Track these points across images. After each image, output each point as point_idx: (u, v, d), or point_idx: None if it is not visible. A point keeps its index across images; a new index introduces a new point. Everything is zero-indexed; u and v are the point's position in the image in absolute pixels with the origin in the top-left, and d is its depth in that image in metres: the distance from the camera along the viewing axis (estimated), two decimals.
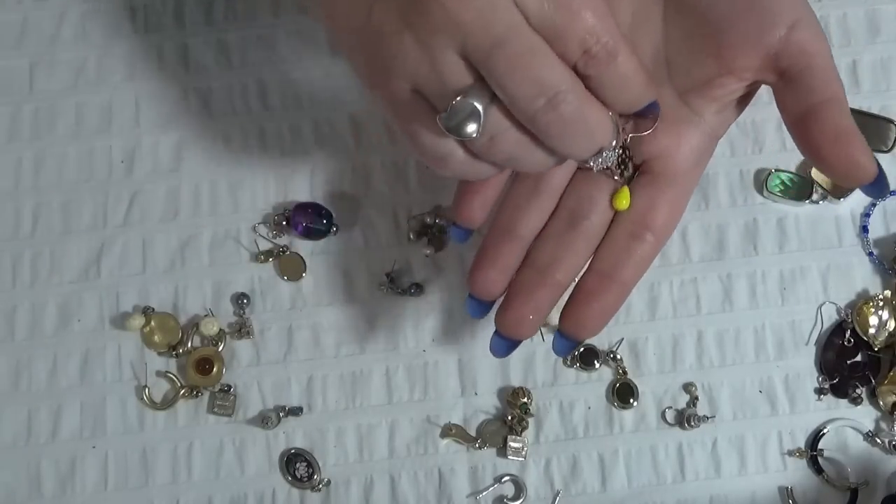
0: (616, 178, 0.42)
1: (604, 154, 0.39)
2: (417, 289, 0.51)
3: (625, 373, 0.50)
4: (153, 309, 0.51)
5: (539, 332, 0.51)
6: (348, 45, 0.39)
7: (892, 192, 0.52)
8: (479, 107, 0.36)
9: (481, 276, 0.42)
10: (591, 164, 0.39)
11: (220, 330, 0.51)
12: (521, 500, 0.49)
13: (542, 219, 0.43)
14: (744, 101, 0.42)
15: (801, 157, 0.52)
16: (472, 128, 0.36)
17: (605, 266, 0.42)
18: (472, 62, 0.36)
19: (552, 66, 0.36)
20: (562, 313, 0.42)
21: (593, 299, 0.42)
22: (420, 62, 0.36)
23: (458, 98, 0.36)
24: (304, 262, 0.52)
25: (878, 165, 0.39)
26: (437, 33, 0.35)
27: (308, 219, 0.52)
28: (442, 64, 0.36)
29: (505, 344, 0.43)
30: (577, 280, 0.42)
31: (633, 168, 0.42)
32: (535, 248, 0.43)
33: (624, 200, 0.42)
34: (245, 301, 0.51)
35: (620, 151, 0.41)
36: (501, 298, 0.43)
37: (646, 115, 0.39)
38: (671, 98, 0.42)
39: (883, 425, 0.50)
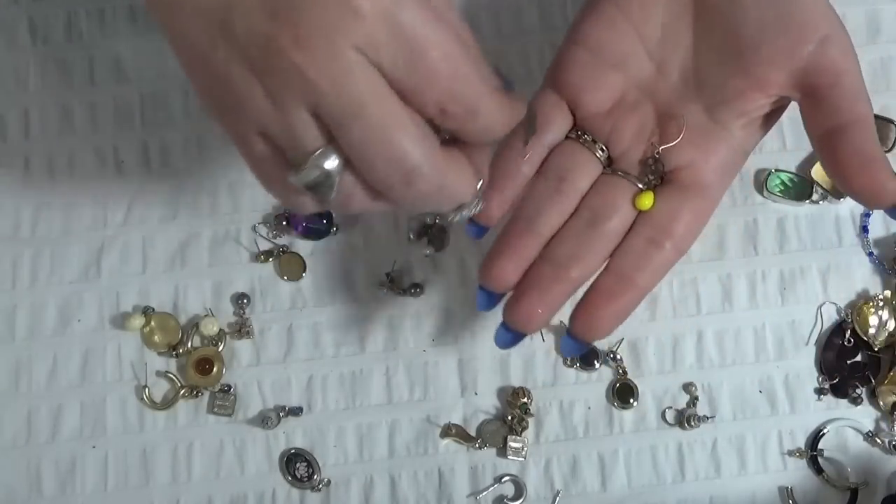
0: (640, 185, 0.42)
1: (464, 210, 0.39)
2: (417, 289, 0.51)
3: (625, 373, 0.50)
4: (153, 309, 0.51)
5: (540, 332, 0.51)
6: (191, 73, 0.36)
7: None
8: (333, 169, 0.35)
9: (495, 266, 0.42)
10: (450, 218, 0.39)
11: (220, 330, 0.51)
12: (521, 500, 0.49)
13: (563, 218, 0.43)
14: (772, 116, 0.42)
15: (802, 157, 0.53)
16: (325, 189, 0.35)
17: (623, 268, 0.42)
18: (325, 123, 0.34)
19: (408, 140, 0.34)
20: (574, 314, 0.42)
21: (609, 301, 0.41)
22: (270, 115, 0.34)
23: (311, 159, 0.34)
24: (304, 262, 0.52)
25: None
26: (289, 90, 0.33)
27: (308, 218, 0.52)
28: (294, 121, 0.34)
29: (511, 336, 0.42)
30: (591, 281, 0.42)
31: (660, 176, 0.43)
32: (553, 244, 0.42)
33: (647, 200, 0.42)
34: (245, 301, 0.51)
35: (650, 160, 0.42)
36: (511, 292, 0.42)
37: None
38: (699, 113, 0.42)
39: (883, 425, 0.50)
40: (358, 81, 0.33)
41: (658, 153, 0.42)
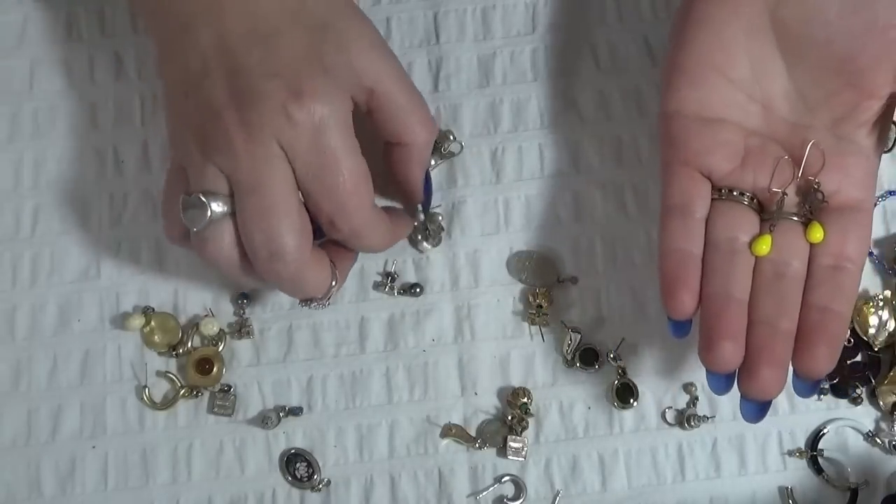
0: (795, 219, 0.44)
1: (312, 303, 0.47)
2: (417, 289, 0.51)
3: (625, 373, 0.50)
4: (153, 309, 0.51)
5: (540, 332, 0.51)
6: (170, 109, 0.45)
7: (892, 192, 0.52)
8: (214, 207, 0.42)
9: (718, 350, 0.42)
10: (300, 304, 0.48)
11: (220, 330, 0.51)
12: (521, 500, 0.49)
13: (749, 276, 0.44)
14: (888, 113, 0.43)
15: None
16: (198, 217, 0.42)
17: (820, 301, 0.43)
18: (230, 183, 0.42)
19: (287, 227, 0.41)
20: (794, 358, 0.43)
21: (820, 334, 0.42)
22: (194, 157, 0.42)
23: (202, 193, 0.42)
24: None
25: None
26: (218, 151, 0.41)
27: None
28: (209, 172, 0.42)
29: (757, 408, 0.43)
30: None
31: (811, 206, 0.44)
32: (756, 304, 0.43)
33: (818, 233, 0.43)
34: (245, 301, 0.51)
35: (811, 193, 0.44)
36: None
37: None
38: (823, 134, 0.43)
39: (883, 425, 0.50)
40: (272, 169, 0.41)
41: (817, 183, 0.43)
